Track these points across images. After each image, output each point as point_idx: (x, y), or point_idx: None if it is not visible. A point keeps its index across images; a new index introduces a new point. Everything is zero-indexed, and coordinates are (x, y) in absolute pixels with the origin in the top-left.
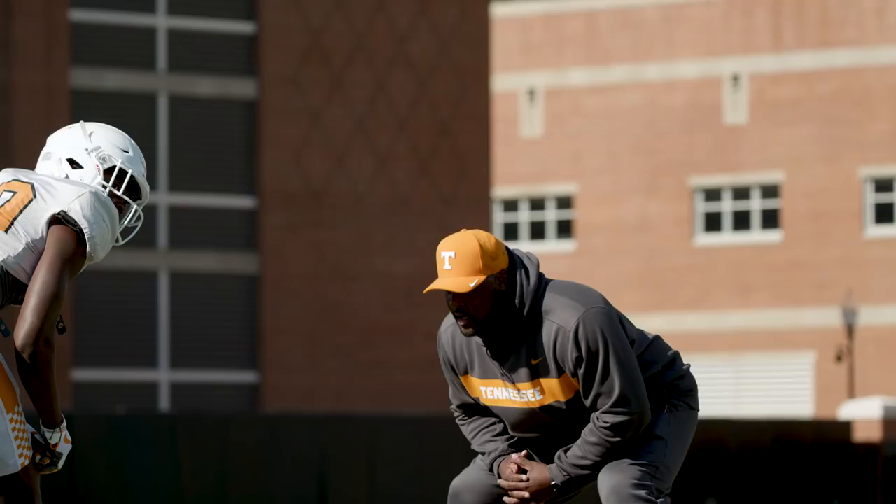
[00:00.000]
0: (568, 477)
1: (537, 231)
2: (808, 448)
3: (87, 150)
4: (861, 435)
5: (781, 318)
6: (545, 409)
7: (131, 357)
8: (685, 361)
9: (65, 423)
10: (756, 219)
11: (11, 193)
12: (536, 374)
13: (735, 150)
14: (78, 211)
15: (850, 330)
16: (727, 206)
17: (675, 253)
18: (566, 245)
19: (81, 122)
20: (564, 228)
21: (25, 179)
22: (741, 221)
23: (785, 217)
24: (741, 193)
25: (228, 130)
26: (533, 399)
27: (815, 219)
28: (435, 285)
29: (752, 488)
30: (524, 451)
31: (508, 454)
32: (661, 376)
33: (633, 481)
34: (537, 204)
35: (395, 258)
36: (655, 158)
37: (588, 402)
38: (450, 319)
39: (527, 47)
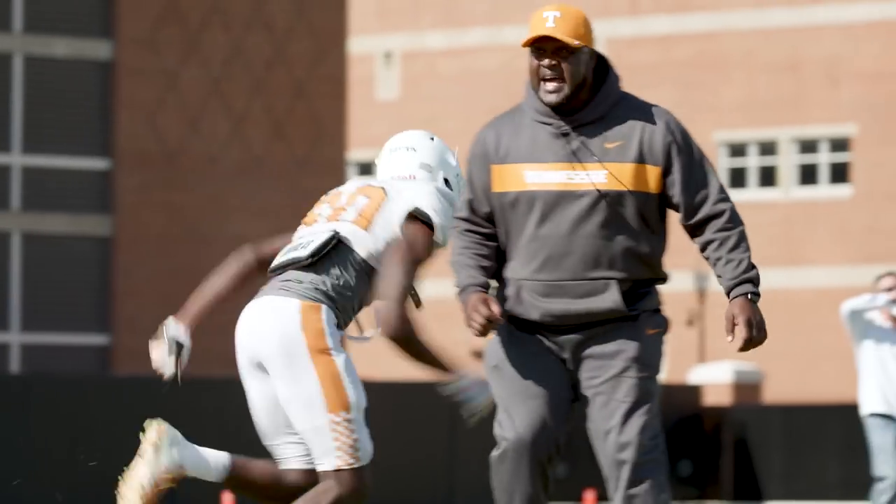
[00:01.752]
0: (754, 283)
1: None
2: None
3: (457, 175)
4: (711, 399)
5: None
6: (601, 195)
7: None
8: None
9: (457, 372)
10: None
11: (367, 198)
12: (607, 157)
13: None
14: (427, 205)
15: (701, 294)
16: None
17: None
18: None
19: (438, 143)
20: None
21: (376, 184)
22: None
23: None
24: None
25: (84, 92)
26: (597, 181)
27: None
28: (541, 32)
29: None
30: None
31: (486, 293)
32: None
33: (647, 440)
34: None
35: (249, 221)
36: None
37: (685, 202)
38: (498, 118)
39: (384, 9)
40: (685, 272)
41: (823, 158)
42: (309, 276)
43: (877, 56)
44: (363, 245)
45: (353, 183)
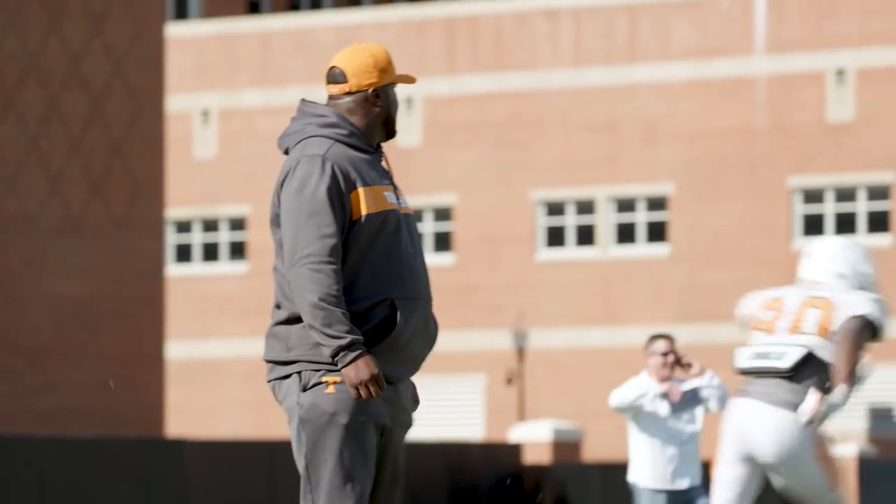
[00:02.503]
0: None
1: (210, 252)
2: (479, 471)
3: (871, 281)
4: (531, 458)
5: (452, 341)
6: (412, 217)
7: None
8: None
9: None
10: (428, 241)
11: (818, 310)
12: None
13: (408, 172)
14: (876, 315)
15: (520, 352)
16: None
17: None
18: (239, 267)
19: (854, 251)
20: (237, 250)
21: (821, 295)
22: None
23: (457, 240)
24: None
25: None
26: (407, 204)
27: (487, 242)
28: (412, 76)
29: None
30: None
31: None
32: None
33: None
34: (210, 225)
35: (66, 280)
36: None
37: None
38: (322, 147)
39: (200, 68)
40: (503, 331)
41: (641, 217)
42: (789, 386)
43: (693, 115)
44: (828, 353)
45: (795, 294)
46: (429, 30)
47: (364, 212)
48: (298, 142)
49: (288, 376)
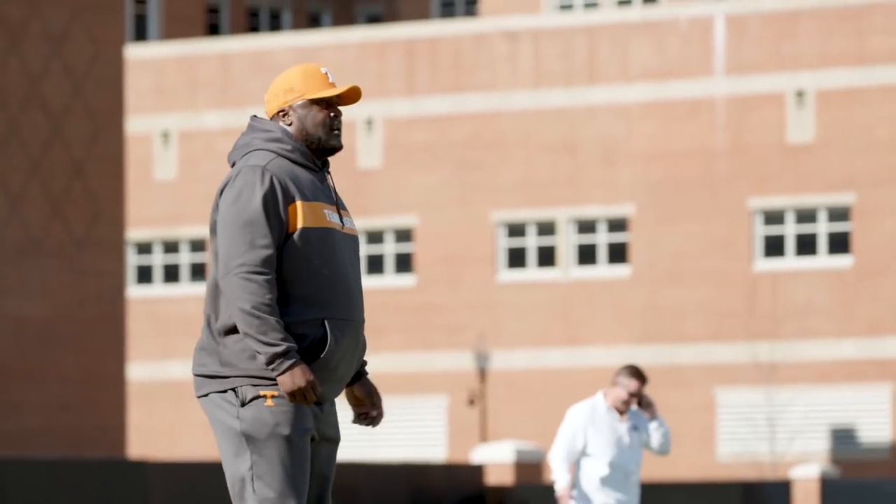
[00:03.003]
0: None
1: (171, 274)
2: (441, 492)
3: None
4: (493, 479)
5: (414, 362)
6: (357, 239)
7: None
8: None
9: None
10: (389, 262)
11: None
12: (343, 205)
13: (368, 193)
14: None
15: (482, 373)
16: (361, 250)
17: None
18: (200, 288)
19: None
20: (198, 271)
21: None
22: (374, 265)
23: (418, 261)
24: (374, 237)
25: None
26: (352, 226)
27: (448, 263)
28: (348, 85)
29: None
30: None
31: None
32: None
33: None
34: (171, 247)
35: (27, 301)
36: None
37: None
38: (264, 159)
39: (160, 89)
40: (465, 352)
41: (601, 238)
42: None
43: (652, 136)
44: None
45: None
46: (388, 51)
47: (300, 225)
48: (244, 154)
49: (223, 391)
